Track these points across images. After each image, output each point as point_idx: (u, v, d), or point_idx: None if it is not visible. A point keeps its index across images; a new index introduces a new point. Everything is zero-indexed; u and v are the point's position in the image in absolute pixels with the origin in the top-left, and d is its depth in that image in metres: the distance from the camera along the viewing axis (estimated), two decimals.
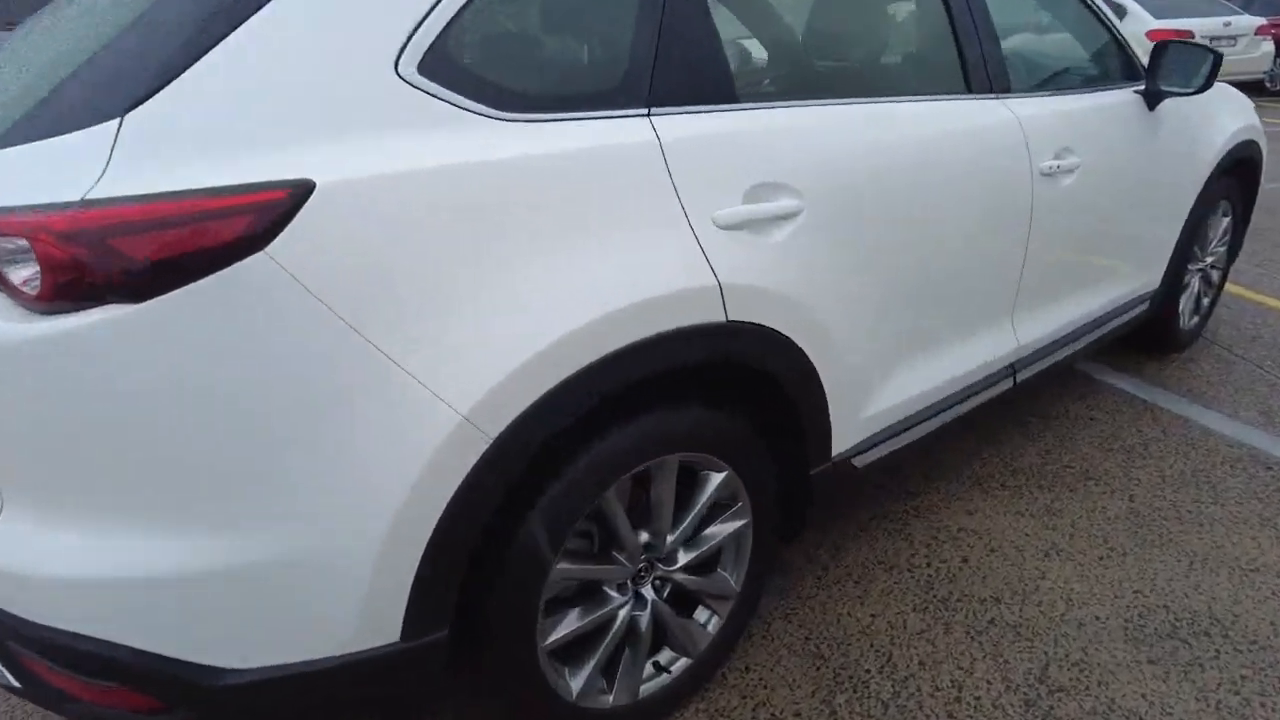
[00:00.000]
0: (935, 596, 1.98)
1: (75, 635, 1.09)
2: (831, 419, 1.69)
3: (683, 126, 1.35)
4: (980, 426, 2.74)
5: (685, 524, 1.55)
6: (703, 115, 1.39)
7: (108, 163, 0.98)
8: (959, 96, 1.89)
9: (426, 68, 1.14)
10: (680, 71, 1.38)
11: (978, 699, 1.68)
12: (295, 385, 1.05)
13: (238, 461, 1.05)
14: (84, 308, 0.96)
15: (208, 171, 0.99)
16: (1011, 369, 2.20)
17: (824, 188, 1.52)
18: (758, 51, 1.99)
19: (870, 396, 1.79)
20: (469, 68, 1.20)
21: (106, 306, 0.96)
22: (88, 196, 0.95)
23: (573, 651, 1.52)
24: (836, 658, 1.81)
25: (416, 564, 1.17)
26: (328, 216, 1.04)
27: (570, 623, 1.45)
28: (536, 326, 1.18)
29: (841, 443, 1.75)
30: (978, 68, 1.93)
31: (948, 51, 1.91)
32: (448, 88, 1.16)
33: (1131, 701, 1.67)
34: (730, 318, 1.39)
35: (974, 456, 2.58)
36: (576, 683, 1.49)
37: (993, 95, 1.96)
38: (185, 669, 1.12)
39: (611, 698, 1.56)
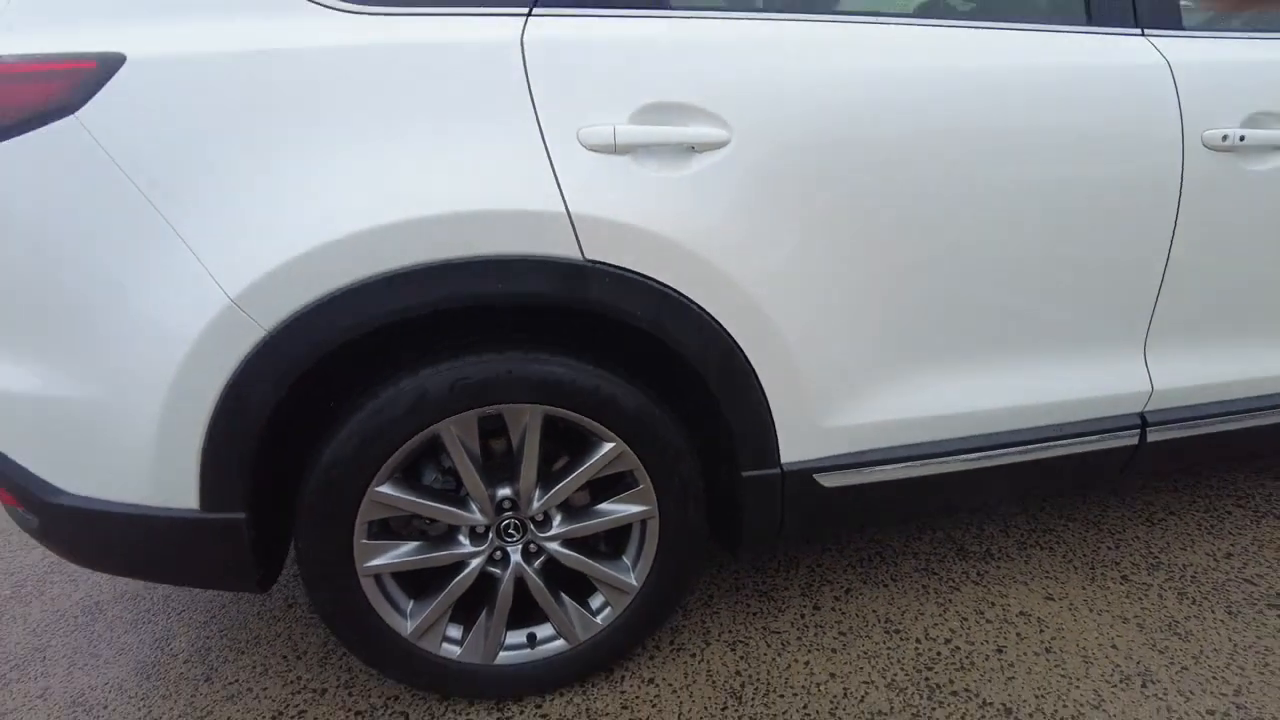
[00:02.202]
0: (925, 680, 1.53)
1: None
2: (775, 418, 1.38)
3: (561, 28, 1.18)
4: (1130, 503, 2.04)
5: (557, 488, 1.39)
6: (599, 19, 1.20)
7: None
8: (1066, 27, 1.39)
9: None
10: None
11: None
12: (90, 240, 1.12)
13: (43, 300, 1.16)
14: None
15: (45, 40, 1.10)
16: (1139, 421, 1.60)
17: (769, 121, 1.22)
18: None
19: (850, 403, 1.42)
20: None
21: None
22: None
23: (424, 590, 1.47)
24: (755, 705, 1.50)
25: (201, 438, 1.20)
26: (135, 88, 1.09)
27: (403, 554, 1.39)
28: (326, 219, 1.12)
29: (795, 450, 1.42)
30: None
31: None
32: None
33: None
34: (588, 257, 1.19)
35: (1099, 535, 1.93)
36: (413, 619, 1.43)
37: (1130, 29, 1.41)
38: (32, 479, 1.29)
39: (460, 650, 1.47)
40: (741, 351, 1.31)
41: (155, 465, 1.22)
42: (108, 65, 1.08)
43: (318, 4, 1.15)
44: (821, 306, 1.33)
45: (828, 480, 1.46)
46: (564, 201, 1.16)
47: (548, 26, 1.18)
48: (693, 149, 1.21)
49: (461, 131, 1.15)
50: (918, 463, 1.49)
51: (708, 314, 1.27)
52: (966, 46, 1.31)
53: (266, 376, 1.17)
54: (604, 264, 1.20)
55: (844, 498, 1.49)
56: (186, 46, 1.10)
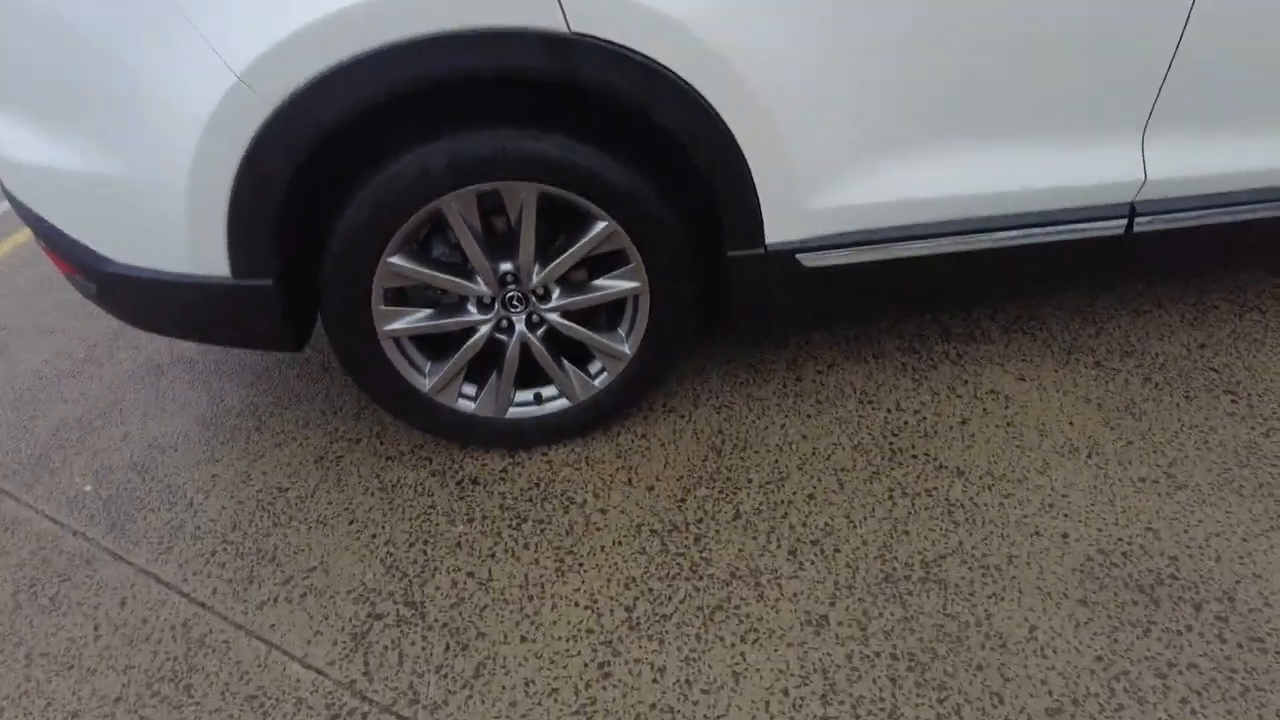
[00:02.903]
0: (889, 444, 1.71)
1: (29, 211, 1.45)
2: (761, 199, 1.44)
3: None
4: (1120, 294, 2.10)
5: (554, 264, 1.50)
6: None
7: None
8: None
9: None
10: None
11: (832, 555, 1.49)
12: (104, 19, 1.18)
13: (72, 80, 1.24)
14: None
15: None
16: (1129, 211, 1.62)
17: None
18: None
19: (832, 183, 1.46)
20: None
21: None
22: None
23: (440, 352, 1.64)
24: (731, 458, 1.70)
25: (226, 209, 1.31)
26: None
27: (417, 319, 1.54)
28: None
29: (779, 231, 1.49)
30: None
31: None
32: None
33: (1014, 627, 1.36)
34: (573, 29, 1.21)
35: (1082, 324, 2.02)
36: (431, 377, 1.61)
37: None
38: (85, 250, 1.44)
39: (475, 405, 1.67)
40: (730, 131, 1.34)
41: (188, 236, 1.35)
42: None
43: None
44: (810, 86, 1.34)
45: (810, 260, 1.54)
46: None
47: None
48: None
49: None
50: (897, 244, 1.56)
51: (696, 92, 1.29)
52: None
53: (279, 149, 1.25)
54: (590, 37, 1.22)
55: (826, 278, 1.58)
56: None
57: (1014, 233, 1.59)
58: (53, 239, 1.46)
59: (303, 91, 1.21)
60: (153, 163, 1.29)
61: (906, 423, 1.76)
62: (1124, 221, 1.63)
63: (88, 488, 1.78)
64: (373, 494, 1.69)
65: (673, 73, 1.27)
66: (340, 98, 1.22)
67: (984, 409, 1.79)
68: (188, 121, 1.23)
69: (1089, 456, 1.65)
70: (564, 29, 1.20)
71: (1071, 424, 1.73)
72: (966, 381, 1.87)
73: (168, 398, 2.03)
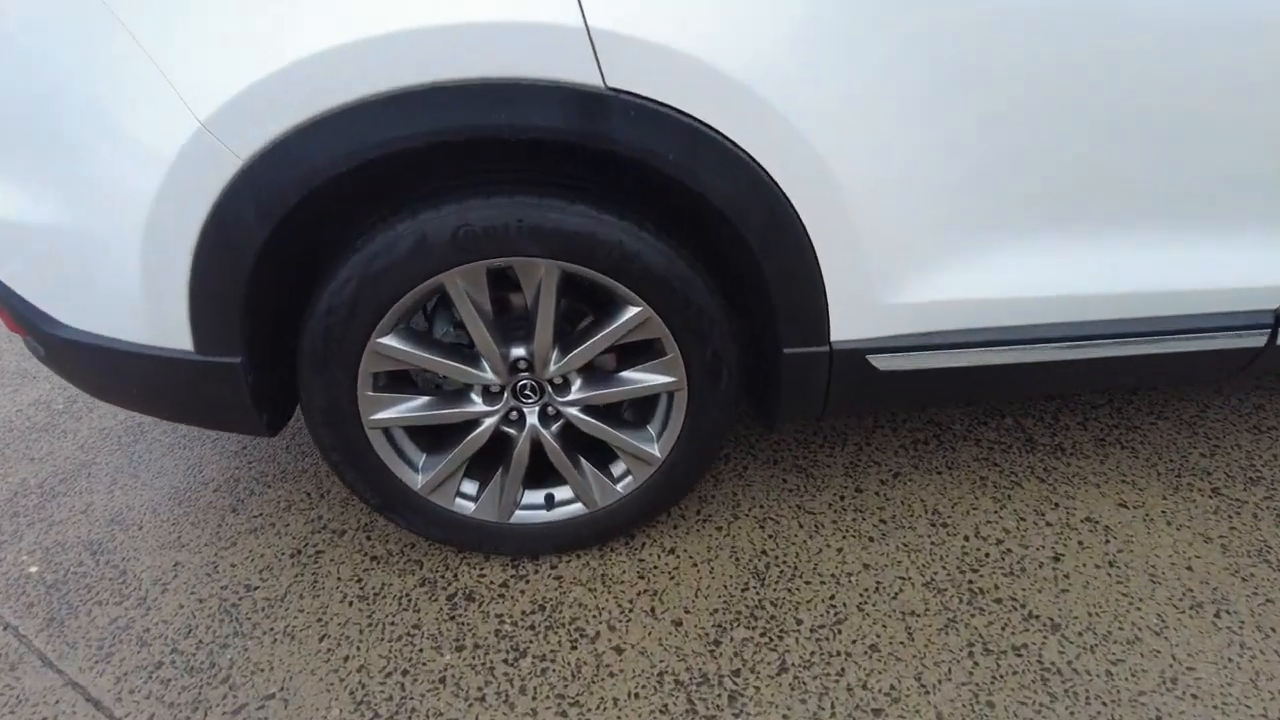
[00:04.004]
0: (968, 583, 1.41)
1: None
2: (830, 291, 1.19)
3: None
4: (1236, 404, 1.80)
5: (574, 353, 1.26)
6: None
7: None
8: None
9: None
10: None
11: None
12: (49, 50, 0.98)
13: (11, 117, 1.04)
14: None
15: None
16: (1274, 320, 1.34)
17: None
18: None
19: (919, 274, 1.21)
20: None
21: None
22: None
23: (437, 444, 1.40)
24: (777, 588, 1.42)
25: (187, 276, 1.10)
26: None
27: (412, 409, 1.30)
28: (297, 32, 0.94)
29: (849, 327, 1.24)
30: None
31: None
32: None
33: None
34: (610, 84, 0.98)
35: (1191, 439, 1.71)
36: (425, 474, 1.37)
37: None
38: (31, 309, 1.23)
39: (475, 507, 1.42)
40: (793, 207, 1.10)
41: (144, 303, 1.13)
42: None
43: None
44: (897, 154, 1.10)
45: (884, 363, 1.28)
46: (582, 11, 0.94)
47: None
48: None
49: None
50: (995, 349, 1.29)
51: (756, 162, 1.05)
52: None
53: (249, 210, 1.04)
54: (629, 94, 0.99)
55: (902, 382, 1.31)
56: None
57: (1133, 340, 1.32)
58: None
59: (280, 144, 0.99)
60: (103, 217, 1.08)
61: (988, 555, 1.47)
62: (1267, 332, 1.34)
63: (33, 568, 1.56)
64: (351, 603, 1.44)
65: (728, 139, 1.03)
66: (325, 154, 1.00)
67: (1080, 542, 1.49)
68: (142, 172, 1.02)
69: (1217, 616, 1.34)
70: (599, 84, 0.98)
71: (1190, 569, 1.42)
72: (1057, 505, 1.58)
73: (142, 464, 1.81)
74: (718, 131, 1.02)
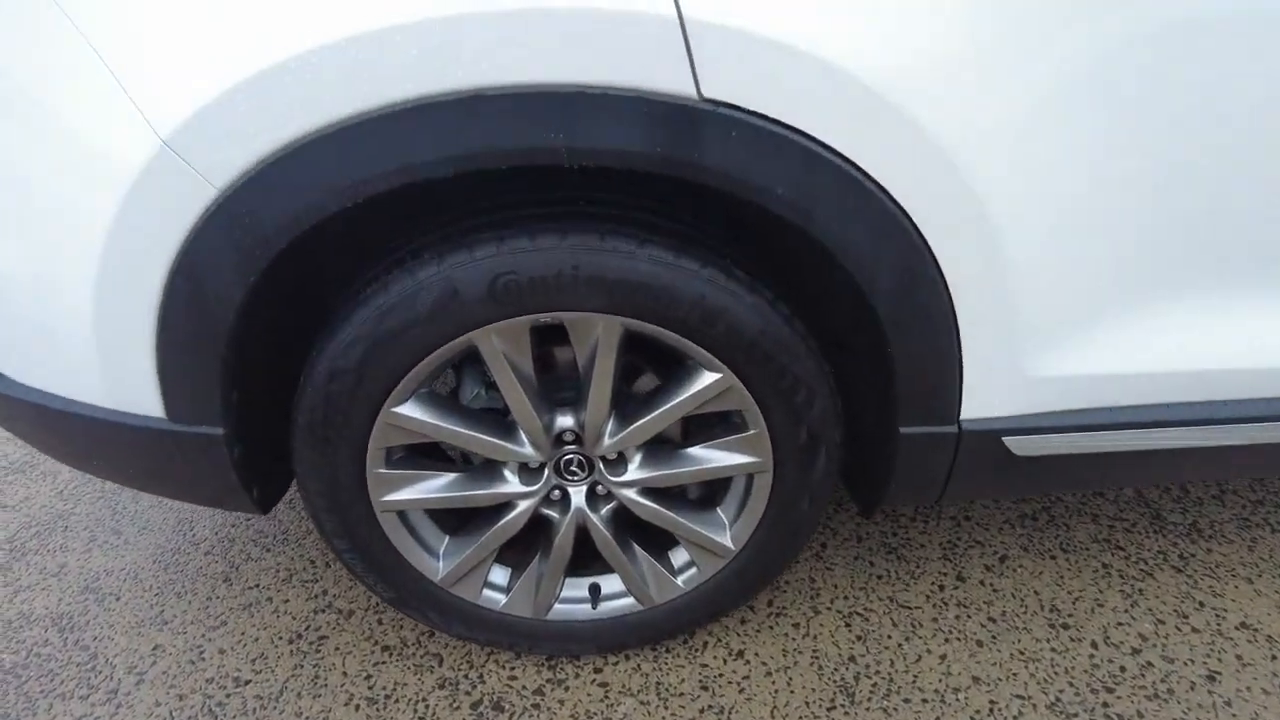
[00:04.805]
0: (1104, 707, 1.15)
1: None
2: (965, 360, 0.93)
3: None
4: None
5: (637, 425, 1.01)
6: None
7: None
8: None
9: None
10: None
11: None
12: None
13: None
14: None
15: None
16: None
17: None
18: None
19: (1074, 343, 0.95)
20: None
21: None
22: None
23: (461, 525, 1.16)
24: (871, 708, 1.16)
25: (153, 330, 0.86)
26: None
27: (432, 489, 1.06)
28: (297, 23, 0.70)
29: (984, 404, 0.98)
30: None
31: None
32: None
33: None
34: (705, 94, 0.73)
35: None
36: (446, 562, 1.13)
37: None
38: None
39: (506, 600, 1.18)
40: (936, 262, 0.84)
41: (101, 360, 0.90)
42: None
43: None
44: (1070, 197, 0.84)
45: (1022, 446, 1.02)
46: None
47: None
48: None
49: None
50: (1161, 430, 1.02)
51: (893, 199, 0.80)
52: None
53: (227, 253, 0.80)
54: (731, 106, 0.74)
55: (1040, 467, 1.05)
56: None
57: None
58: None
59: (267, 169, 0.75)
60: (49, 253, 0.85)
61: (1124, 669, 1.20)
62: None
63: None
64: (358, 707, 1.20)
65: (861, 170, 0.78)
66: (326, 184, 0.76)
67: (1238, 656, 1.22)
68: (93, 200, 0.79)
69: None
70: (692, 94, 0.73)
71: None
72: (1202, 605, 1.31)
73: (126, 516, 1.59)
74: (847, 160, 0.77)
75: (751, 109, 0.74)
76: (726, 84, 0.73)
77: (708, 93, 0.73)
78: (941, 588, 1.35)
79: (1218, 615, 1.29)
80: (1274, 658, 1.22)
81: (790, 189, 0.79)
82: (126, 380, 0.92)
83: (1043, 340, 0.94)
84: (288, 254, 0.82)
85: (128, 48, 0.72)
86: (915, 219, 0.81)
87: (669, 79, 0.72)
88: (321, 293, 0.97)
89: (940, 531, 1.46)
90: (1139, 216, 0.88)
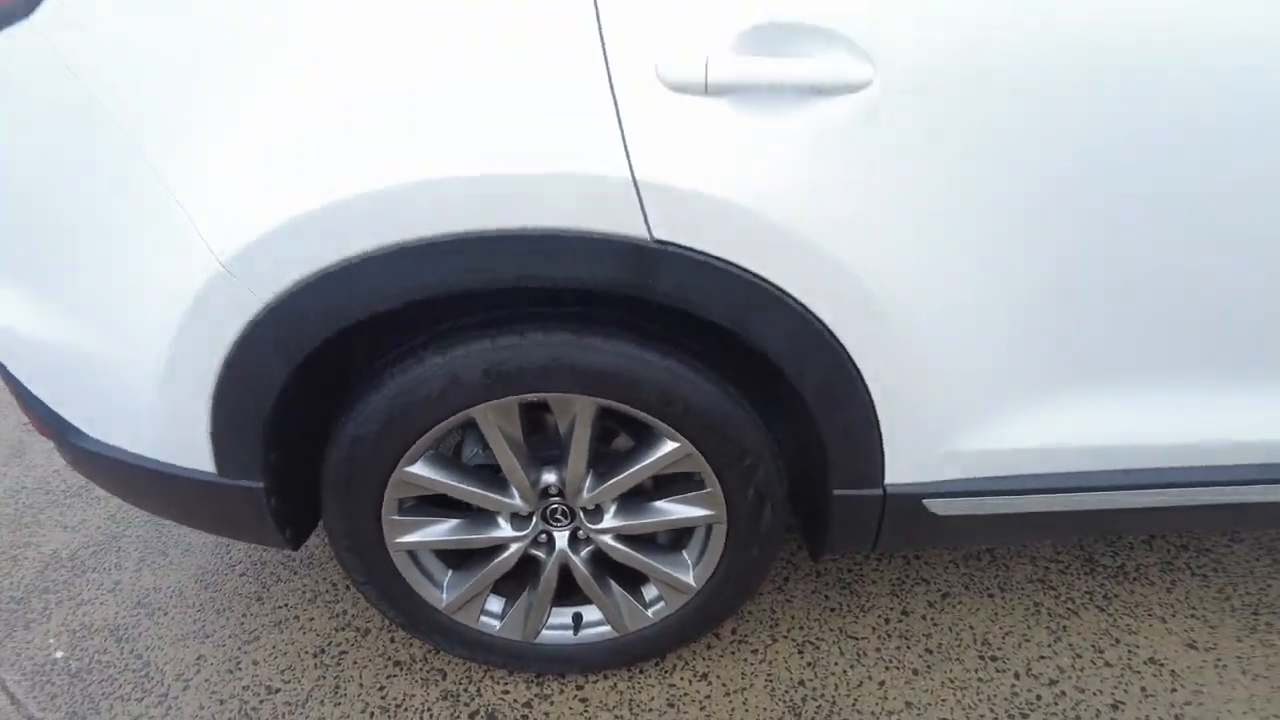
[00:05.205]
0: None
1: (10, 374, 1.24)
2: (885, 436, 1.11)
3: None
4: None
5: (608, 484, 1.20)
6: None
7: None
8: None
9: None
10: None
11: None
12: (75, 175, 0.95)
13: (39, 240, 1.02)
14: None
15: None
16: None
17: (933, 55, 0.86)
18: None
19: (981, 423, 1.12)
20: None
21: None
22: None
23: (463, 562, 1.35)
24: None
25: (209, 407, 1.06)
26: None
27: (438, 533, 1.25)
28: (326, 176, 0.89)
29: (907, 471, 1.16)
30: None
31: None
32: None
33: None
34: (656, 237, 0.92)
35: (1273, 568, 1.59)
36: (449, 593, 1.32)
37: None
38: (57, 418, 1.21)
39: (499, 624, 1.37)
40: (852, 362, 1.02)
41: (166, 427, 1.10)
42: None
43: None
44: (967, 309, 1.02)
45: (942, 508, 1.19)
46: (629, 164, 0.88)
47: None
48: (818, 90, 0.88)
49: (497, 60, 0.86)
50: (1062, 495, 1.19)
51: (811, 313, 0.98)
52: None
53: (271, 350, 1.00)
54: (677, 246, 0.92)
55: (958, 524, 1.23)
56: None
57: (1211, 489, 1.21)
58: (26, 401, 1.24)
59: (306, 288, 0.95)
60: (127, 345, 1.04)
61: (1040, 697, 1.37)
62: None
63: (59, 653, 1.55)
64: (372, 715, 1.39)
65: (784, 292, 0.96)
66: (353, 299, 0.95)
67: (1143, 688, 1.38)
68: (165, 307, 0.98)
69: None
70: (645, 235, 0.91)
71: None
72: (1118, 641, 1.47)
73: (170, 540, 1.80)
74: (772, 284, 0.95)
75: (692, 246, 0.92)
76: (671, 228, 0.91)
77: (657, 235, 0.91)
78: (887, 620, 1.52)
79: (1130, 650, 1.45)
80: (1174, 690, 1.38)
81: (728, 308, 0.97)
82: (186, 442, 1.12)
83: (951, 422, 1.11)
84: (318, 349, 1.01)
85: (199, 197, 0.91)
86: (833, 329, 0.99)
87: (626, 225, 0.91)
88: (346, 376, 1.16)
89: (891, 569, 1.63)
90: (1029, 323, 1.05)
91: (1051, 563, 1.64)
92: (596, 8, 0.83)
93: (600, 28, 0.84)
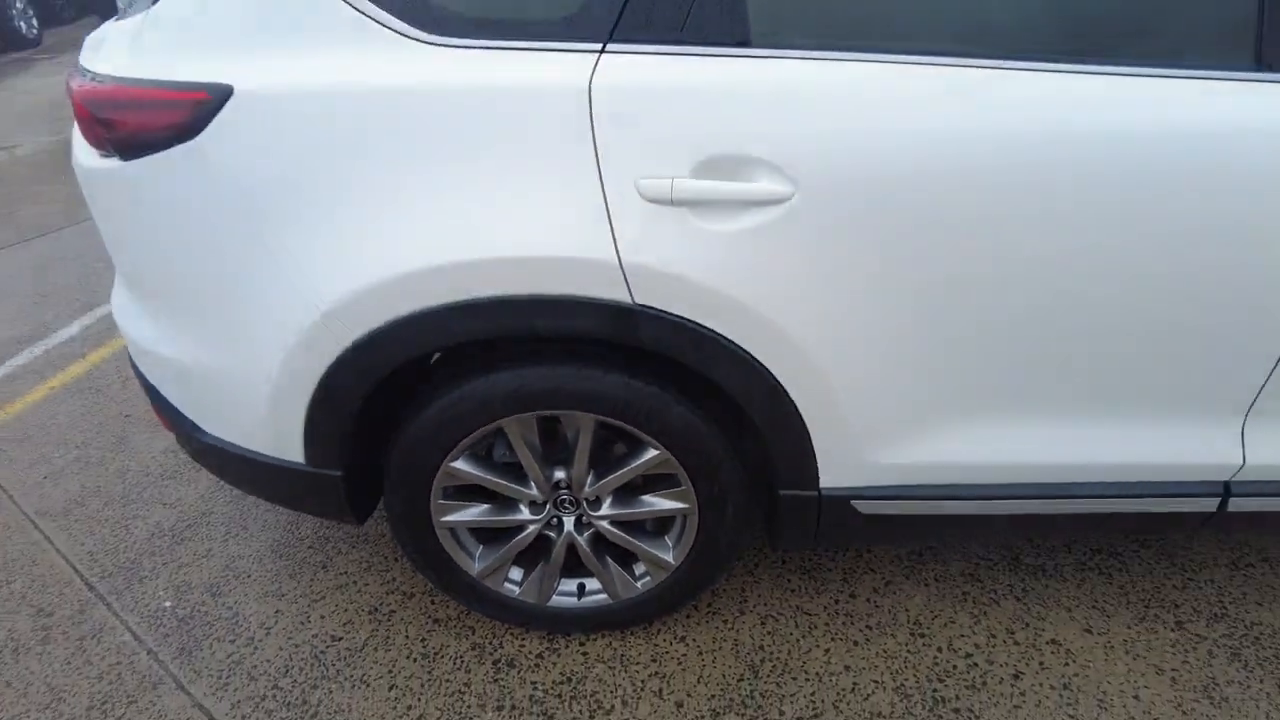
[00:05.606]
0: (934, 691, 1.63)
1: (148, 382, 1.62)
2: (816, 450, 1.43)
3: (632, 70, 1.17)
4: (1220, 539, 1.94)
5: (604, 481, 1.54)
6: (671, 58, 1.17)
7: (130, 45, 1.29)
8: (1226, 72, 1.20)
9: None
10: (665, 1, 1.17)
11: None
12: (219, 245, 1.31)
13: (185, 287, 1.38)
14: (104, 155, 1.33)
15: (171, 67, 1.24)
16: (1222, 490, 1.51)
17: (839, 180, 1.19)
18: None
19: (890, 443, 1.44)
20: None
21: (111, 158, 1.32)
22: (99, 71, 1.28)
23: (491, 539, 1.70)
24: (768, 681, 1.66)
25: (304, 417, 1.42)
26: (245, 118, 1.22)
27: (472, 513, 1.60)
28: (399, 254, 1.24)
29: (835, 478, 1.48)
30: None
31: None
32: (382, 8, 1.19)
33: None
34: (637, 301, 1.25)
35: (1169, 570, 1.87)
36: (480, 562, 1.67)
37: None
38: (183, 419, 1.59)
39: (519, 590, 1.72)
40: (786, 392, 1.35)
41: (272, 427, 1.46)
42: (219, 95, 1.21)
43: (398, 33, 1.20)
44: (872, 360, 1.34)
45: (865, 508, 1.51)
46: (617, 251, 1.21)
47: (616, 70, 1.17)
48: (753, 202, 1.21)
49: (527, 175, 1.20)
50: (961, 502, 1.51)
51: (753, 357, 1.31)
52: (1079, 100, 1.18)
53: (351, 376, 1.35)
54: (652, 309, 1.26)
55: (880, 523, 1.54)
56: (285, 80, 1.20)
57: (1086, 501, 1.51)
58: (160, 405, 1.61)
59: (380, 332, 1.30)
60: (248, 367, 1.41)
61: (955, 667, 1.68)
62: (1217, 500, 1.52)
63: (167, 603, 1.93)
64: (415, 659, 1.75)
65: (734, 343, 1.29)
66: (412, 341, 1.30)
67: (1041, 663, 1.68)
68: (278, 340, 1.34)
69: None
70: (629, 300, 1.25)
71: (1137, 699, 1.61)
72: (1028, 625, 1.77)
73: (250, 517, 2.18)
74: (721, 335, 1.29)
75: (661, 308, 1.26)
76: (647, 295, 1.25)
77: (638, 300, 1.25)
78: (837, 601, 1.84)
79: (1036, 633, 1.75)
80: (1066, 664, 1.68)
81: (693, 355, 1.30)
82: (285, 440, 1.48)
83: (867, 439, 1.43)
84: (388, 376, 1.36)
85: (308, 267, 1.27)
86: (772, 370, 1.31)
87: (616, 292, 1.24)
88: (407, 395, 1.51)
89: (844, 561, 1.95)
90: (935, 368, 1.36)
91: (982, 561, 1.94)
92: (596, 149, 1.17)
93: (599, 162, 1.18)
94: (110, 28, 1.52)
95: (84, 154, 1.40)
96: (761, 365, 1.32)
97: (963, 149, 1.17)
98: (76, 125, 1.43)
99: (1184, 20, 1.18)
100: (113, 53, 1.33)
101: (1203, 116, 1.16)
